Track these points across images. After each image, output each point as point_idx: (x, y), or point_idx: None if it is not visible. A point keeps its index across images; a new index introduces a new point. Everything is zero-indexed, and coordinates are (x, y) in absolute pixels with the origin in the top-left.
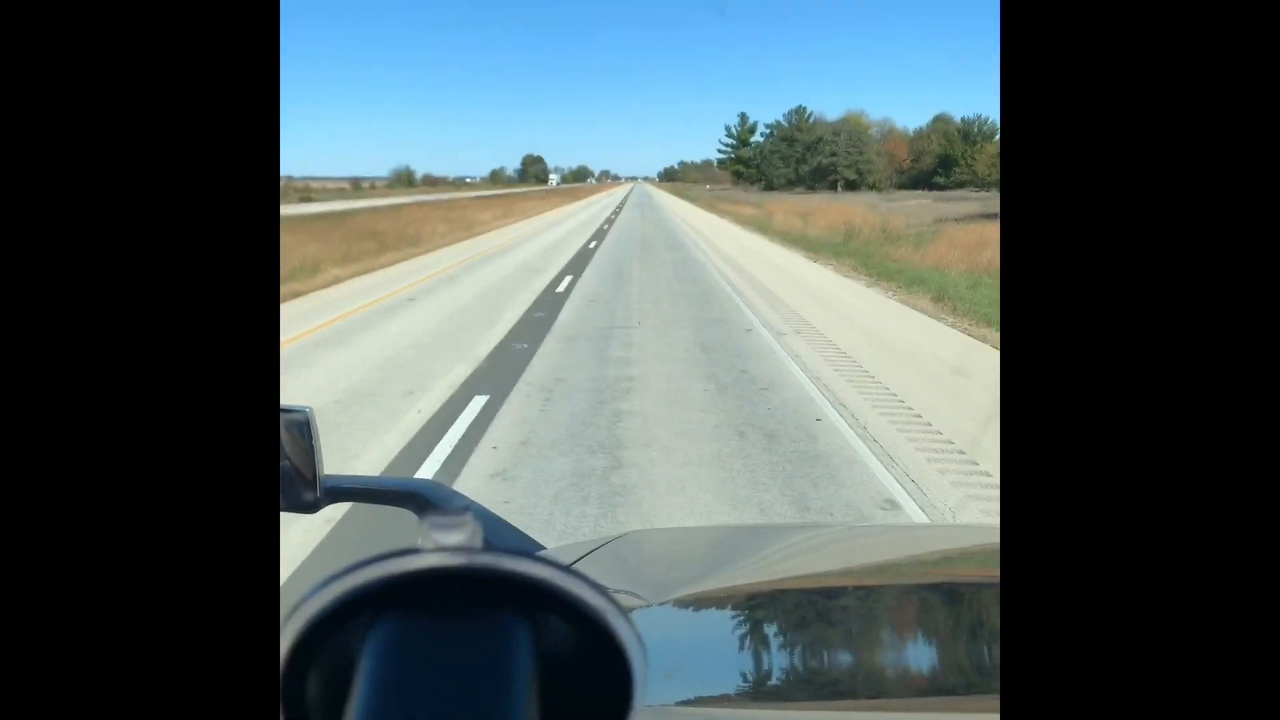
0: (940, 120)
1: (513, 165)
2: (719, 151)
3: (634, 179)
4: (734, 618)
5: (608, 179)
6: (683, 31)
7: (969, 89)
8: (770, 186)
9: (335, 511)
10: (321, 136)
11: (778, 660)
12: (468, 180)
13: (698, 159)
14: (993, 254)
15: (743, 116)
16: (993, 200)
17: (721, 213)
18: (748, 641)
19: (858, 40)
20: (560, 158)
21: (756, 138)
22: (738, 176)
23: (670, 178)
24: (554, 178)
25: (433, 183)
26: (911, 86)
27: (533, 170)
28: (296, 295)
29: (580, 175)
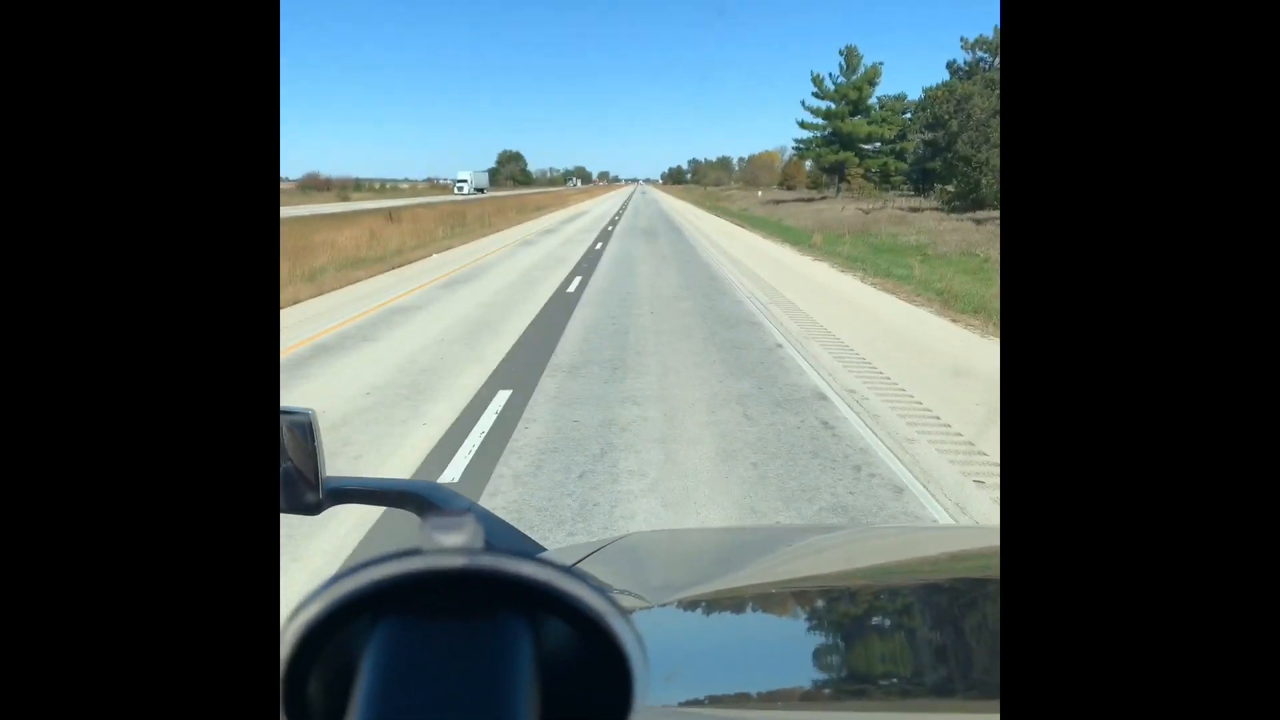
0: None
1: (540, 168)
2: (801, 125)
3: (635, 180)
4: (735, 619)
5: (604, 181)
6: (682, 32)
7: None
8: (974, 197)
9: None
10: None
11: (778, 662)
12: (368, 184)
13: (712, 156)
14: None
15: (849, 53)
16: None
17: None
18: (748, 643)
19: None
20: (558, 159)
21: (879, 94)
22: (831, 174)
23: (677, 180)
24: (466, 180)
25: (324, 187)
26: None
27: (507, 171)
28: None
29: (566, 176)
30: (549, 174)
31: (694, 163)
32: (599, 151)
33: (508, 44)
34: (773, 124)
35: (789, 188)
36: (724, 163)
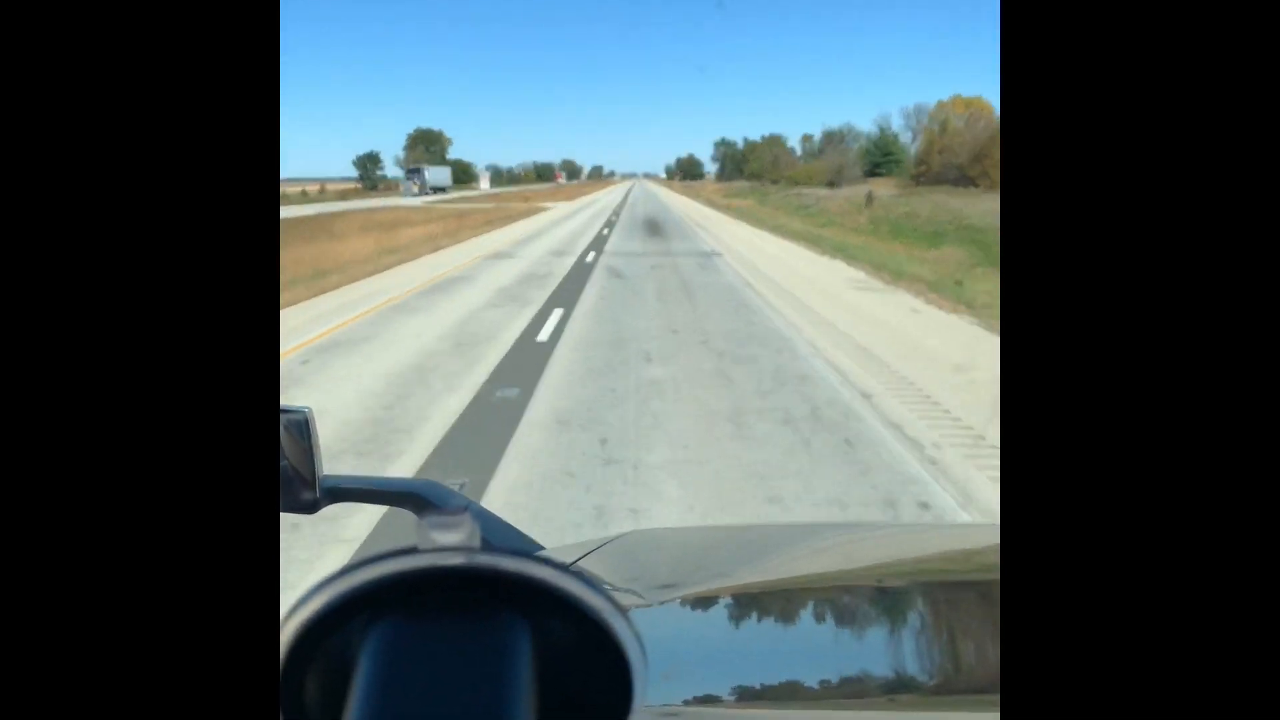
0: None
1: (524, 160)
2: None
3: (633, 176)
4: (735, 617)
5: (589, 178)
6: (683, 29)
7: None
8: None
9: None
10: None
11: (778, 660)
12: None
13: (751, 136)
14: None
15: None
16: None
17: None
18: (748, 641)
19: None
20: (549, 152)
21: None
22: None
23: (691, 174)
24: None
25: None
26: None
27: (413, 159)
28: None
29: (409, 173)
30: (532, 167)
31: (724, 145)
32: (601, 148)
33: (491, 30)
34: (835, 93)
35: None
36: (775, 141)
